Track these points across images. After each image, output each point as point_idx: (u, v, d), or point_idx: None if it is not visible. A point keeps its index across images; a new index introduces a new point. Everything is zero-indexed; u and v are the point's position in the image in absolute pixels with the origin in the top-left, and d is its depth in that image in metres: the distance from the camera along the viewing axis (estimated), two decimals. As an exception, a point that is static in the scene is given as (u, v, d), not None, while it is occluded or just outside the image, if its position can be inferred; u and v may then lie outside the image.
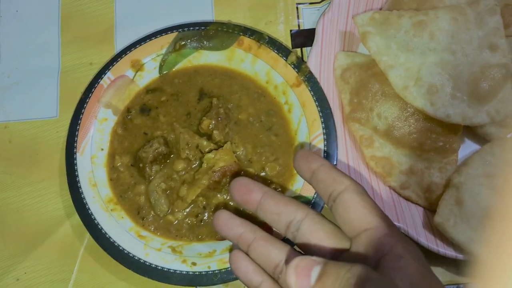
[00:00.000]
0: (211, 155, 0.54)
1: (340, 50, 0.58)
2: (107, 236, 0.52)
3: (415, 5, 0.56)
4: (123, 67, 0.58)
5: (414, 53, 0.52)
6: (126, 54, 0.58)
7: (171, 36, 0.59)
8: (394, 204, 0.53)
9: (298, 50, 0.62)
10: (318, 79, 0.56)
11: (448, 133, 0.53)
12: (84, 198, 0.54)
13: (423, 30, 0.52)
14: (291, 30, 0.63)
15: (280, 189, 0.54)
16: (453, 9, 0.53)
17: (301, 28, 0.63)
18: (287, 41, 0.62)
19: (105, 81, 0.57)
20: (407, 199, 0.54)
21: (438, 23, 0.52)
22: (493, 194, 0.50)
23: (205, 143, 0.55)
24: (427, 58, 0.52)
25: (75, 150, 0.55)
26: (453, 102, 0.51)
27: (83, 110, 0.56)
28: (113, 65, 0.58)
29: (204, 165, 0.54)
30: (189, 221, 0.54)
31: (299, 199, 0.53)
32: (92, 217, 0.53)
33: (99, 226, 0.53)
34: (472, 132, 0.56)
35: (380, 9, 0.60)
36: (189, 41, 0.59)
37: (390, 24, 0.54)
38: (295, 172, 0.55)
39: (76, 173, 0.55)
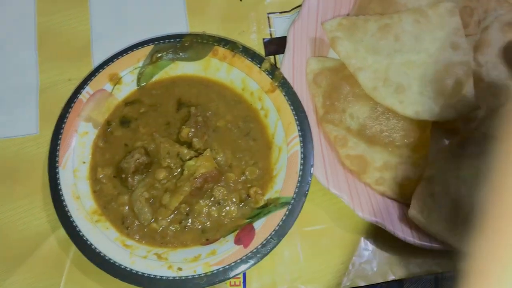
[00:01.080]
0: (192, 162, 0.55)
1: (311, 56, 0.60)
2: (93, 247, 0.53)
3: (380, 10, 0.59)
4: (101, 81, 0.59)
5: (381, 55, 0.55)
6: (103, 69, 0.59)
7: (148, 49, 0.60)
8: (370, 199, 0.55)
9: (271, 57, 0.64)
10: (292, 84, 0.58)
11: (418, 129, 0.55)
12: (68, 211, 0.54)
13: (388, 33, 0.55)
14: (263, 39, 0.65)
15: (260, 192, 0.56)
16: (416, 12, 0.56)
17: (273, 36, 0.65)
18: (260, 50, 0.64)
19: (84, 95, 0.59)
20: (383, 194, 0.56)
21: (402, 26, 0.55)
22: (462, 185, 0.52)
23: (185, 151, 0.56)
24: (394, 59, 0.55)
25: (57, 164, 0.56)
26: (421, 100, 0.54)
27: (63, 125, 0.57)
28: (91, 80, 0.59)
29: (186, 173, 0.55)
30: (173, 228, 0.55)
31: (279, 200, 0.55)
32: (77, 229, 0.54)
33: (85, 238, 0.53)
34: (441, 127, 0.58)
35: (347, 15, 0.63)
36: (165, 53, 0.61)
37: (357, 28, 0.56)
38: (274, 174, 0.57)
39: (59, 186, 0.55)
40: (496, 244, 0.30)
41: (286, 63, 0.59)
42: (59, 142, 0.57)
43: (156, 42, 0.61)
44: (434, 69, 0.54)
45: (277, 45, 0.64)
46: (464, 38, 0.54)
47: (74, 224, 0.54)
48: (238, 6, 0.66)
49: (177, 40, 0.61)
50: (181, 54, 0.61)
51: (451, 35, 0.54)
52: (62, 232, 0.54)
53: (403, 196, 0.55)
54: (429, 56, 0.54)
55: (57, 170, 0.56)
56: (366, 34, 0.56)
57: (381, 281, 0.56)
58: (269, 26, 0.65)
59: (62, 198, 0.55)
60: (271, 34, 0.65)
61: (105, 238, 0.54)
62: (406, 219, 0.54)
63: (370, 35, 0.56)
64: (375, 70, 0.55)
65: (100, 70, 0.59)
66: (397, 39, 0.55)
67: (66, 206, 0.55)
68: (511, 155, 0.31)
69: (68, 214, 0.54)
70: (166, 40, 0.61)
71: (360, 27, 0.57)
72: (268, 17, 0.66)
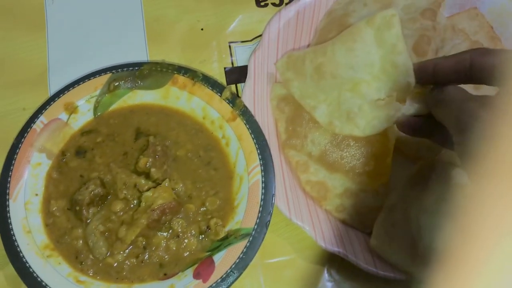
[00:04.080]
0: (149, 193, 0.54)
1: (273, 83, 0.60)
2: (43, 284, 0.50)
3: (337, 33, 0.59)
4: (56, 111, 0.58)
5: (327, 91, 0.55)
6: (59, 97, 0.58)
7: (105, 77, 0.59)
8: (333, 229, 0.54)
9: (233, 86, 0.63)
10: (253, 112, 0.57)
11: (378, 157, 0.55)
12: (18, 246, 0.52)
13: (324, 72, 0.54)
14: (225, 68, 0.64)
15: (221, 223, 0.54)
16: (350, 36, 0.53)
17: (235, 65, 0.65)
18: (222, 78, 0.64)
19: (38, 125, 0.57)
20: (343, 222, 0.55)
21: (336, 60, 0.53)
22: (423, 214, 0.51)
23: (143, 181, 0.55)
24: (341, 90, 0.54)
25: (7, 197, 0.53)
26: (375, 113, 0.52)
27: (15, 156, 0.55)
28: (46, 109, 0.57)
29: (143, 204, 0.53)
30: (129, 263, 0.53)
31: (240, 231, 0.53)
32: (27, 265, 0.51)
33: (35, 274, 0.51)
34: (402, 154, 0.58)
35: (308, 45, 0.63)
36: (123, 81, 0.59)
37: (298, 69, 0.56)
38: (235, 204, 0.55)
39: (9, 220, 0.53)
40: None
41: (247, 92, 0.59)
42: (10, 173, 0.54)
43: (114, 71, 0.59)
44: (380, 92, 0.52)
45: (238, 74, 0.64)
46: (403, 53, 0.51)
47: (24, 260, 0.51)
48: (199, 34, 0.66)
49: (136, 68, 0.60)
50: (139, 82, 0.60)
51: (389, 53, 0.52)
52: (10, 269, 0.51)
53: (363, 224, 0.55)
54: (374, 80, 0.52)
55: (7, 203, 0.53)
56: (306, 76, 0.56)
57: (345, 312, 0.55)
58: (231, 55, 0.65)
59: (12, 232, 0.52)
60: (232, 63, 0.65)
61: (57, 275, 0.52)
62: (368, 249, 0.53)
63: (309, 78, 0.56)
64: (329, 104, 0.55)
65: (56, 99, 0.58)
66: (334, 76, 0.54)
67: (15, 241, 0.52)
68: (479, 197, 0.31)
69: (18, 249, 0.52)
70: (124, 69, 0.60)
71: (300, 68, 0.56)
72: (230, 46, 0.65)
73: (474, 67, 0.44)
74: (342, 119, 0.53)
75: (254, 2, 0.68)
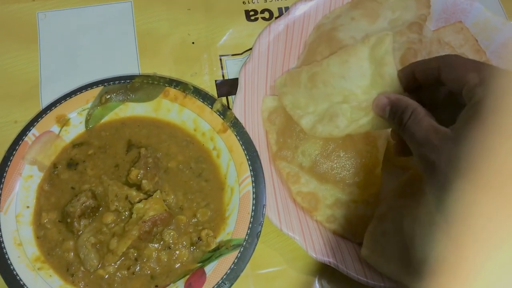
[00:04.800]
0: (140, 205, 0.54)
1: (263, 95, 0.61)
2: (34, 296, 0.50)
3: (328, 53, 0.60)
4: (48, 123, 0.58)
5: (318, 101, 0.56)
6: (51, 110, 0.58)
7: (96, 90, 0.60)
8: (323, 239, 0.54)
9: (224, 98, 0.64)
10: (244, 124, 0.58)
11: (368, 168, 0.56)
12: (8, 258, 0.51)
13: (317, 81, 0.55)
14: (216, 80, 0.65)
15: (212, 234, 0.55)
16: (346, 51, 0.55)
17: (226, 78, 0.65)
18: (213, 91, 0.64)
19: (29, 137, 0.57)
20: (334, 232, 0.55)
21: (330, 70, 0.55)
22: (413, 224, 0.52)
23: (134, 193, 0.55)
24: (331, 101, 0.55)
25: (-2, 209, 0.54)
26: (358, 117, 0.52)
27: (7, 168, 0.55)
28: (38, 122, 0.57)
29: (134, 216, 0.54)
30: (120, 274, 0.53)
31: (231, 242, 0.53)
32: (18, 277, 0.51)
33: (26, 287, 0.50)
34: (392, 164, 0.59)
35: (297, 58, 0.64)
36: (114, 94, 0.60)
37: (294, 81, 0.58)
38: (226, 215, 0.56)
39: (0, 233, 0.53)
40: None
41: (238, 104, 0.59)
42: (1, 186, 0.54)
43: (106, 84, 0.60)
44: (367, 102, 0.53)
45: (229, 86, 0.65)
46: (390, 65, 0.51)
47: (15, 272, 0.51)
48: (190, 48, 0.67)
49: (127, 81, 0.60)
50: (131, 95, 0.60)
51: (378, 66, 0.52)
52: (1, 281, 0.51)
53: (354, 234, 0.55)
54: (364, 94, 0.53)
55: (-3, 215, 0.53)
56: (300, 86, 0.57)
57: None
58: (222, 68, 0.66)
59: (2, 245, 0.52)
60: (223, 76, 0.65)
61: (48, 287, 0.51)
62: (359, 259, 0.53)
63: (303, 86, 0.57)
64: (317, 114, 0.55)
65: (48, 112, 0.58)
66: (326, 84, 0.55)
67: (6, 253, 0.52)
68: (472, 209, 0.31)
69: (8, 262, 0.51)
70: (116, 81, 0.60)
71: (295, 79, 0.58)
72: (221, 59, 0.66)
73: (442, 78, 0.44)
74: (324, 122, 0.54)
75: (244, 16, 0.69)
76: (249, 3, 0.70)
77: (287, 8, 0.69)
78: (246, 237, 0.53)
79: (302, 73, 0.57)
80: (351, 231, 0.55)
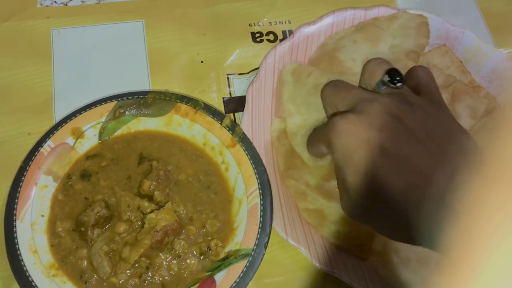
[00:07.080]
0: (152, 215, 0.56)
1: (268, 114, 0.64)
2: (48, 303, 0.52)
3: (326, 65, 0.64)
4: (63, 135, 0.60)
5: (311, 109, 0.59)
6: (66, 123, 0.60)
7: (111, 104, 0.62)
8: (327, 250, 0.57)
9: (231, 114, 0.67)
10: (251, 140, 0.61)
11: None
12: (24, 265, 0.53)
13: (319, 93, 0.59)
14: (223, 98, 0.68)
15: (221, 244, 0.57)
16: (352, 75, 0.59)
17: (233, 95, 0.68)
18: (220, 107, 0.67)
19: (45, 148, 0.59)
20: (338, 247, 0.58)
21: None
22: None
23: (146, 204, 0.57)
24: (320, 116, 0.58)
25: (14, 217, 0.55)
26: None
27: (23, 178, 0.57)
28: (53, 133, 0.60)
29: (146, 225, 0.56)
30: (132, 282, 0.55)
31: (239, 252, 0.56)
32: (33, 284, 0.52)
33: (40, 294, 0.52)
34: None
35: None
36: (128, 109, 0.62)
37: (301, 79, 0.62)
38: (235, 226, 0.58)
39: (16, 240, 0.54)
40: None
41: (245, 120, 0.62)
42: (17, 195, 0.56)
43: (120, 99, 0.62)
44: None
45: (236, 104, 0.68)
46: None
47: (30, 279, 0.52)
48: (199, 66, 0.70)
49: (141, 96, 0.63)
50: (144, 110, 0.63)
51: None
52: (16, 287, 0.53)
53: (359, 250, 0.57)
54: None
55: (14, 223, 0.55)
56: (304, 87, 0.61)
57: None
58: (229, 86, 0.69)
59: (19, 252, 0.54)
60: (230, 94, 0.69)
61: (61, 294, 0.53)
62: (362, 270, 0.56)
63: (306, 89, 0.61)
64: (304, 119, 0.59)
65: (63, 124, 0.60)
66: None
67: (22, 260, 0.53)
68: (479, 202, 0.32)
69: (24, 268, 0.53)
70: (130, 97, 0.63)
71: (303, 79, 0.62)
72: (228, 78, 0.70)
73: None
74: (303, 138, 0.58)
75: (250, 38, 0.73)
76: (255, 25, 0.74)
77: (290, 31, 0.73)
78: (255, 247, 0.56)
79: (311, 76, 0.61)
80: (356, 246, 0.57)
